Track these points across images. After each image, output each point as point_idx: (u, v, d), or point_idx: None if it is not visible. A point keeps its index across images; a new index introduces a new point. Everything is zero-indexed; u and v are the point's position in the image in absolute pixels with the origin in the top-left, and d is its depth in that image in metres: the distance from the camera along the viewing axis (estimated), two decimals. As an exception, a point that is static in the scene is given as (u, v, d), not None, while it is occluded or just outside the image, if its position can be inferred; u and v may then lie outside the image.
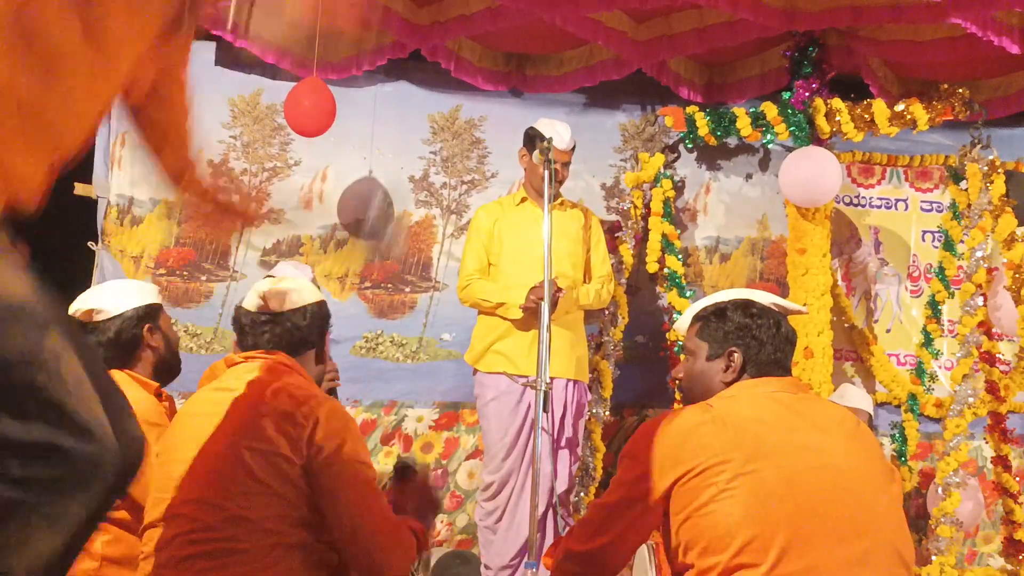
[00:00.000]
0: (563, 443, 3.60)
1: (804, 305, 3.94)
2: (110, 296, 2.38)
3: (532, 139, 3.56)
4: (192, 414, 1.88)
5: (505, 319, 3.56)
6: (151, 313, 2.39)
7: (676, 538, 1.63)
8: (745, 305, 1.85)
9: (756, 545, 1.52)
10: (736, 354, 1.79)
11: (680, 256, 4.38)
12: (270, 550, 1.67)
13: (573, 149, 3.70)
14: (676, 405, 4.21)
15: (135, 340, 2.35)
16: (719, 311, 1.86)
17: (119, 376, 2.28)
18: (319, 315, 2.04)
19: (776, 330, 1.81)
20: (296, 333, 1.98)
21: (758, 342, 1.79)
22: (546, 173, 3.10)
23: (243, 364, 1.92)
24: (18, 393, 1.15)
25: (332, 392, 2.47)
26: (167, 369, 2.43)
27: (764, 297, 1.89)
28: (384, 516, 1.81)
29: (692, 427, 1.65)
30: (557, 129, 3.57)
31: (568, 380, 3.61)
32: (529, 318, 3.47)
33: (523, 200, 3.74)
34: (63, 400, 1.17)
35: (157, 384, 2.39)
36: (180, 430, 1.86)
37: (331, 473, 1.73)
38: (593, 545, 1.73)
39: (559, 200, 3.74)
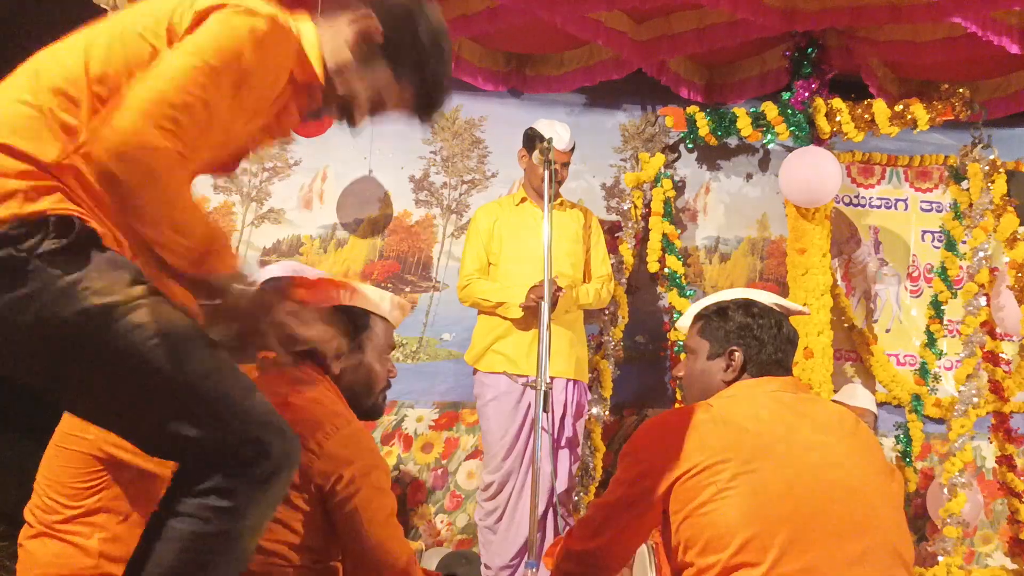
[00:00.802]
0: (563, 443, 3.60)
1: (804, 305, 3.94)
2: None
3: (531, 139, 3.56)
4: None
5: (505, 319, 3.56)
6: None
7: (676, 537, 1.62)
8: (747, 304, 1.85)
9: (756, 544, 1.52)
10: (737, 353, 1.79)
11: (680, 256, 4.37)
12: (268, 571, 1.65)
13: (573, 149, 3.70)
14: (676, 405, 4.21)
15: None
16: (721, 310, 1.86)
17: None
18: None
19: (777, 330, 1.81)
20: None
21: (759, 342, 1.79)
22: (546, 173, 3.09)
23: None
24: (208, 404, 1.34)
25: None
26: None
27: (765, 297, 1.89)
28: (396, 553, 1.75)
29: (692, 426, 1.65)
30: (556, 129, 3.57)
31: (568, 380, 3.61)
32: (529, 318, 3.47)
33: (523, 200, 3.74)
34: (248, 405, 1.37)
35: None
36: None
37: (343, 510, 1.69)
38: (593, 544, 1.73)
39: (559, 200, 3.74)
